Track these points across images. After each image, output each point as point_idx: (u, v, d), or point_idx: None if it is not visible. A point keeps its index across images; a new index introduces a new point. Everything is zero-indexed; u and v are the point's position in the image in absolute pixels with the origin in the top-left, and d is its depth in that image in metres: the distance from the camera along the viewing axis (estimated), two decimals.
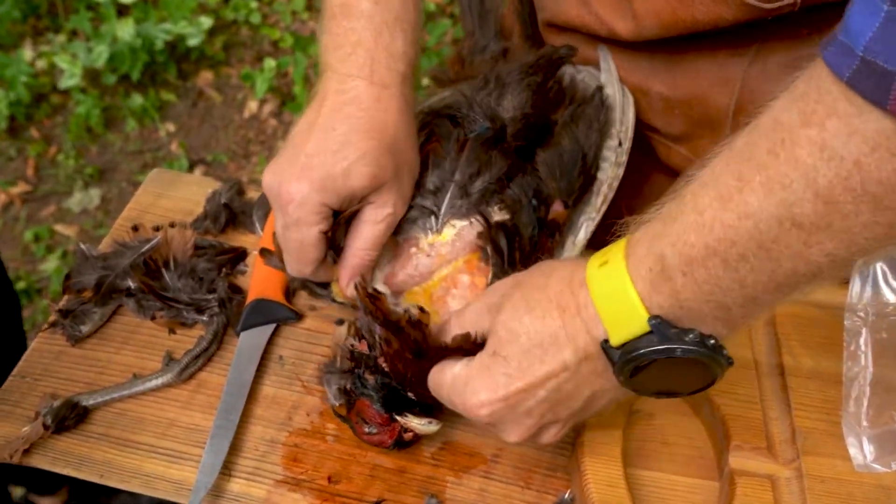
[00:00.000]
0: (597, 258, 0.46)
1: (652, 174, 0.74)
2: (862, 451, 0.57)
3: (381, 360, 0.56)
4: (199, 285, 0.68)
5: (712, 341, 0.43)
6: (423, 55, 2.16)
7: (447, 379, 0.52)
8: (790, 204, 0.38)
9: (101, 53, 2.09)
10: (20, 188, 1.94)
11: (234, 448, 0.60)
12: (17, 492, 1.36)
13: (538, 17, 0.75)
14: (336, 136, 0.54)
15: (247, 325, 0.66)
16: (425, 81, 2.11)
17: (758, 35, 0.60)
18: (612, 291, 0.44)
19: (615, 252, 0.45)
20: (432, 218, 0.60)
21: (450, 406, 0.53)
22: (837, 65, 0.35)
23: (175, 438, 0.61)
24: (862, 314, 0.59)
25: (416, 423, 0.56)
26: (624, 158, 0.62)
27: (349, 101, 0.55)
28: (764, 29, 0.59)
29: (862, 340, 0.59)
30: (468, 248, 0.59)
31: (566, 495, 0.58)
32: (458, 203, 0.59)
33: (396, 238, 0.60)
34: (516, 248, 0.57)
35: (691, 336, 0.43)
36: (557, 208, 0.59)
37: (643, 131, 0.71)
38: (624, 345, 0.44)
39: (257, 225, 0.75)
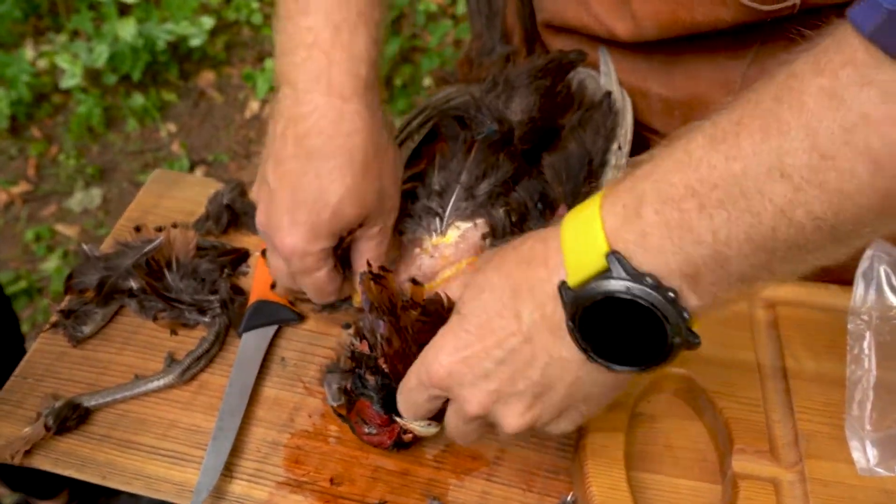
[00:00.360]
0: (576, 209, 0.44)
1: None
2: (865, 454, 0.57)
3: (381, 362, 0.56)
4: (201, 286, 0.68)
5: (671, 294, 0.39)
6: (425, 55, 2.16)
7: (413, 366, 0.50)
8: (784, 152, 0.35)
9: (102, 53, 2.08)
10: (21, 188, 1.94)
11: (236, 450, 0.60)
12: (8, 500, 1.36)
13: (537, 18, 0.75)
14: (309, 181, 0.52)
15: (249, 326, 0.66)
16: (427, 82, 2.11)
17: (757, 37, 0.60)
18: (580, 228, 0.41)
19: (595, 196, 0.43)
20: (437, 219, 0.60)
21: (417, 382, 0.50)
22: (862, 19, 0.33)
23: (177, 440, 0.60)
24: (866, 317, 0.59)
25: (416, 425, 0.56)
26: (623, 161, 0.62)
27: (310, 130, 0.52)
28: (763, 31, 0.59)
29: (865, 344, 0.59)
30: (472, 250, 0.59)
31: (568, 498, 0.58)
32: (462, 205, 0.59)
33: (401, 237, 0.61)
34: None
35: (648, 279, 0.39)
36: (562, 213, 0.59)
37: (642, 133, 0.71)
38: (579, 285, 0.41)
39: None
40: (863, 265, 0.60)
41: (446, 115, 0.64)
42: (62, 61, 2.09)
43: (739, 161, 0.36)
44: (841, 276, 0.66)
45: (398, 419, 0.56)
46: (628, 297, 0.40)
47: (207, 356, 0.65)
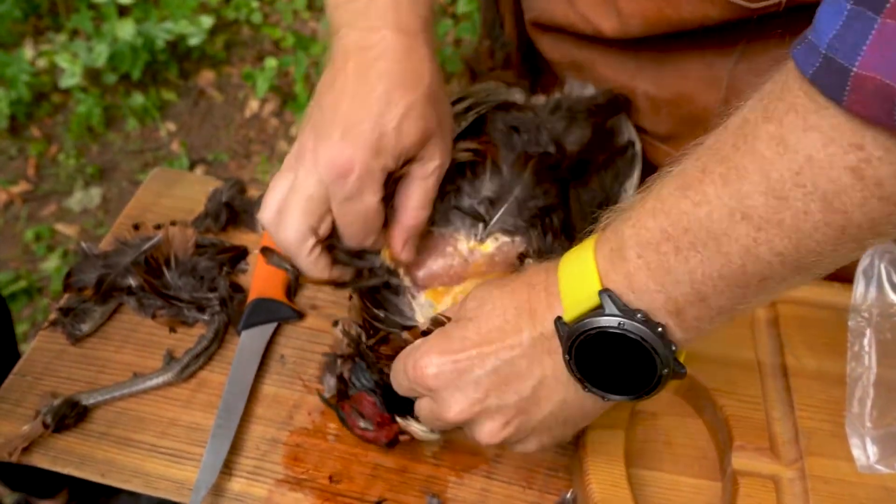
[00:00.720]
0: (574, 248, 0.47)
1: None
2: (865, 452, 0.57)
3: (382, 365, 0.56)
4: (200, 284, 0.68)
5: (660, 329, 0.42)
6: None
7: (402, 358, 0.50)
8: (743, 196, 0.38)
9: (101, 52, 2.08)
10: (21, 187, 1.94)
11: (235, 447, 0.59)
12: (8, 500, 1.35)
13: (525, 17, 0.75)
14: (376, 97, 0.50)
15: (248, 323, 0.66)
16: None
17: (744, 34, 0.60)
18: (576, 268, 0.45)
19: (590, 238, 0.46)
20: (480, 225, 0.58)
21: (397, 378, 0.50)
22: (803, 62, 0.35)
23: (176, 437, 0.60)
24: (866, 315, 0.59)
25: (418, 428, 0.55)
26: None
27: (379, 56, 0.51)
28: (750, 28, 0.59)
29: (866, 341, 0.59)
30: (503, 265, 0.58)
31: (568, 495, 0.58)
32: (510, 220, 0.58)
33: (432, 228, 0.58)
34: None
35: (639, 315, 0.42)
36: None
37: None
38: (575, 319, 0.44)
39: (259, 224, 0.75)
40: (863, 262, 0.60)
41: (499, 117, 0.62)
42: (62, 61, 2.09)
43: (705, 206, 0.39)
44: (841, 273, 0.66)
45: (400, 420, 0.56)
46: (620, 331, 0.42)
47: (206, 354, 0.65)
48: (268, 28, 2.30)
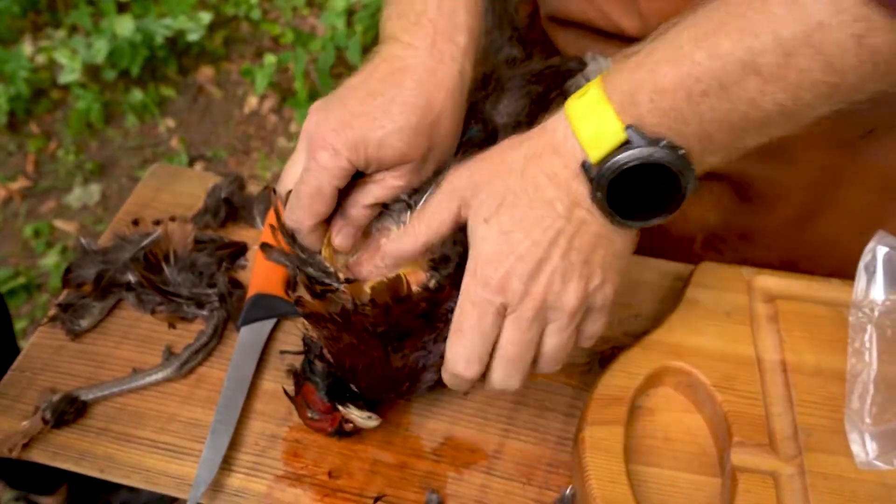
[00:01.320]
0: (575, 95, 0.49)
1: None
2: (864, 448, 0.57)
3: (325, 351, 0.56)
4: (199, 279, 0.68)
5: (682, 151, 0.46)
6: None
7: (459, 301, 0.51)
8: (756, 52, 0.42)
9: (100, 49, 2.08)
10: (20, 183, 1.94)
11: (235, 443, 0.59)
12: (7, 496, 1.36)
13: (540, 11, 0.74)
14: (380, 103, 0.53)
15: (247, 319, 0.66)
16: None
17: None
18: (591, 113, 0.47)
19: (593, 84, 0.48)
20: (408, 213, 0.58)
21: (474, 309, 0.50)
22: None
23: (175, 433, 0.60)
24: (867, 310, 0.59)
25: (357, 415, 0.56)
26: None
27: (404, 69, 0.54)
28: None
29: (867, 337, 0.58)
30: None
31: (567, 491, 0.58)
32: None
33: (368, 229, 0.58)
34: None
35: (663, 143, 0.46)
36: None
37: None
38: (602, 159, 0.46)
39: (258, 219, 0.74)
40: (865, 258, 0.60)
41: None
42: (61, 57, 2.09)
43: (718, 59, 0.43)
44: (841, 269, 0.66)
45: (340, 408, 0.56)
46: (652, 161, 0.46)
47: (206, 350, 0.65)
48: (267, 24, 2.30)
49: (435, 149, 0.55)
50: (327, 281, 0.55)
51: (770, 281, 0.68)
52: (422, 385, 0.57)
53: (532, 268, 0.49)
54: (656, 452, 0.60)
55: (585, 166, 0.47)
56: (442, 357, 0.53)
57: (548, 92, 0.64)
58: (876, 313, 0.59)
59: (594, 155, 0.46)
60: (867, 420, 0.57)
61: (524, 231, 0.49)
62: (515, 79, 0.63)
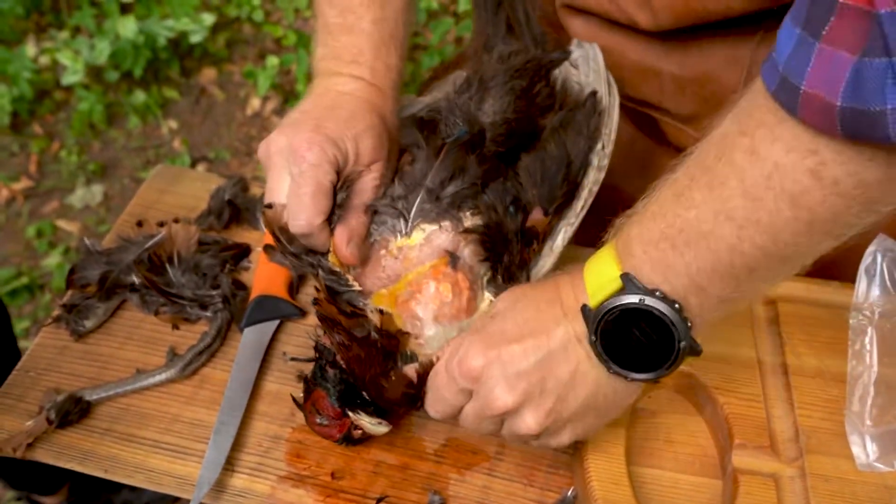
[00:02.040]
0: (596, 253, 0.52)
1: (661, 156, 0.74)
2: (865, 450, 0.57)
3: (339, 358, 0.56)
4: (202, 281, 0.68)
5: (677, 304, 0.47)
6: (426, 53, 2.16)
7: (442, 361, 0.54)
8: (725, 199, 0.44)
9: (103, 50, 2.08)
10: (23, 184, 1.94)
11: (238, 444, 0.60)
12: (9, 496, 1.36)
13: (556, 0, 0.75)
14: (343, 112, 0.58)
15: (250, 321, 0.66)
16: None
17: (766, 19, 0.63)
18: (596, 263, 0.50)
19: (609, 240, 0.51)
20: (402, 221, 0.59)
21: (447, 377, 0.53)
22: (768, 78, 0.41)
23: (179, 434, 0.61)
24: (868, 313, 0.59)
25: (367, 422, 0.57)
26: (606, 162, 0.61)
27: (351, 91, 0.60)
28: (771, 16, 0.61)
29: (867, 339, 0.59)
30: (436, 253, 0.57)
31: (569, 493, 0.58)
32: (427, 207, 0.58)
33: (368, 240, 0.59)
34: (501, 250, 0.57)
35: (658, 293, 0.47)
36: (536, 216, 0.58)
37: (652, 114, 0.72)
38: (600, 303, 0.48)
39: (261, 221, 0.75)
40: (866, 261, 0.60)
41: (421, 120, 0.63)
42: (64, 58, 2.09)
43: (693, 209, 0.45)
44: (842, 272, 0.66)
45: (351, 414, 0.57)
46: (643, 307, 0.47)
47: (209, 351, 0.65)
48: (269, 26, 2.30)
49: (392, 150, 0.61)
50: (348, 294, 0.56)
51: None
52: None
53: (508, 375, 0.50)
54: (658, 454, 0.60)
55: (585, 309, 0.49)
56: None
57: (531, 86, 0.64)
58: (876, 316, 0.59)
59: (594, 300, 0.49)
60: (868, 422, 0.57)
61: (520, 338, 0.50)
62: (498, 77, 0.64)
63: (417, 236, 0.58)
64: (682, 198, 0.46)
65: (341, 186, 0.57)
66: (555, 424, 0.52)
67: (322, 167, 0.55)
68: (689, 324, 0.47)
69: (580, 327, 0.50)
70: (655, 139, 0.75)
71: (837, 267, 0.67)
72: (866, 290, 0.59)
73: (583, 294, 0.50)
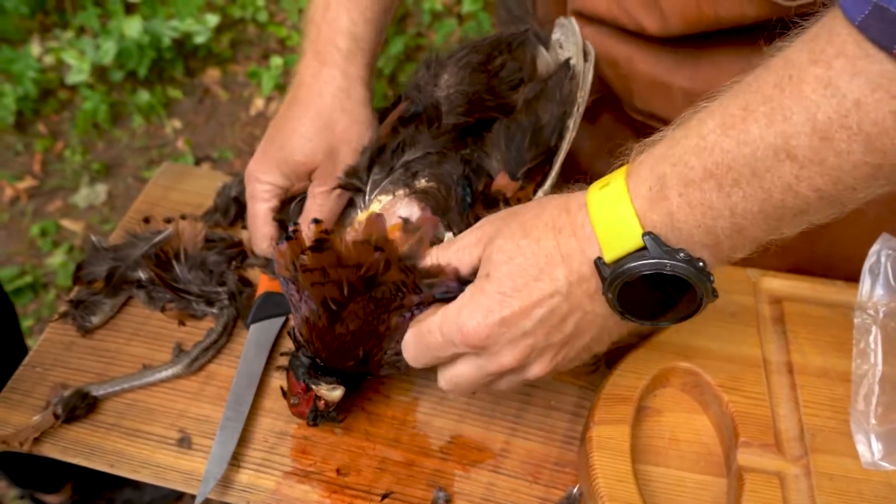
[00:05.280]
0: (598, 183, 0.48)
1: None
2: (870, 448, 0.57)
3: (296, 331, 0.57)
4: (209, 277, 0.68)
5: (701, 263, 0.44)
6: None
7: (436, 319, 0.51)
8: (788, 136, 0.40)
9: (108, 50, 2.09)
10: (27, 183, 1.95)
11: (244, 439, 0.60)
12: (12, 494, 1.36)
13: (568, 6, 0.75)
14: (284, 124, 0.63)
15: (256, 317, 0.66)
16: None
17: (780, 32, 0.61)
18: (610, 209, 0.46)
19: (617, 175, 0.47)
20: (361, 196, 0.61)
21: (443, 340, 0.50)
22: (851, 10, 0.37)
23: (185, 429, 0.61)
24: (872, 312, 0.59)
25: (324, 389, 0.57)
26: (578, 118, 0.62)
27: (299, 84, 0.63)
28: (786, 26, 0.59)
29: (871, 338, 0.59)
30: (392, 221, 0.57)
31: (574, 490, 0.58)
32: (380, 178, 0.60)
33: (344, 221, 0.63)
34: (446, 204, 0.57)
35: (681, 255, 0.44)
36: (501, 181, 0.58)
37: (661, 128, 0.71)
38: (617, 261, 0.45)
39: None
40: (870, 260, 0.60)
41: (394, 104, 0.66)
42: (68, 57, 2.10)
43: (749, 145, 0.41)
44: (847, 272, 0.67)
45: (312, 386, 0.57)
46: (668, 272, 0.44)
47: (215, 347, 0.65)
48: (273, 26, 2.31)
49: (340, 145, 0.62)
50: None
51: (776, 283, 0.68)
52: (384, 356, 0.57)
53: (513, 336, 0.49)
54: (663, 452, 0.60)
55: (598, 264, 0.46)
56: (395, 336, 0.54)
57: (489, 59, 0.65)
58: (881, 315, 0.59)
59: (609, 255, 0.46)
60: (873, 421, 0.58)
61: (520, 298, 0.48)
62: (454, 54, 0.65)
63: (374, 208, 0.59)
64: (733, 130, 0.41)
65: (286, 204, 0.64)
66: (564, 363, 0.51)
67: (259, 197, 0.63)
68: (713, 278, 0.45)
69: (587, 276, 0.47)
70: None
71: (842, 266, 0.67)
72: (870, 289, 0.60)
73: (591, 245, 0.46)
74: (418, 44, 2.22)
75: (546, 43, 0.68)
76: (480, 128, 0.62)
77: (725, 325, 0.65)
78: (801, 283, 0.68)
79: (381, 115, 0.67)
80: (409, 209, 0.57)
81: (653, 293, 0.46)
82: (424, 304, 0.53)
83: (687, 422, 0.62)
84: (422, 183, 0.58)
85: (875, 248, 0.60)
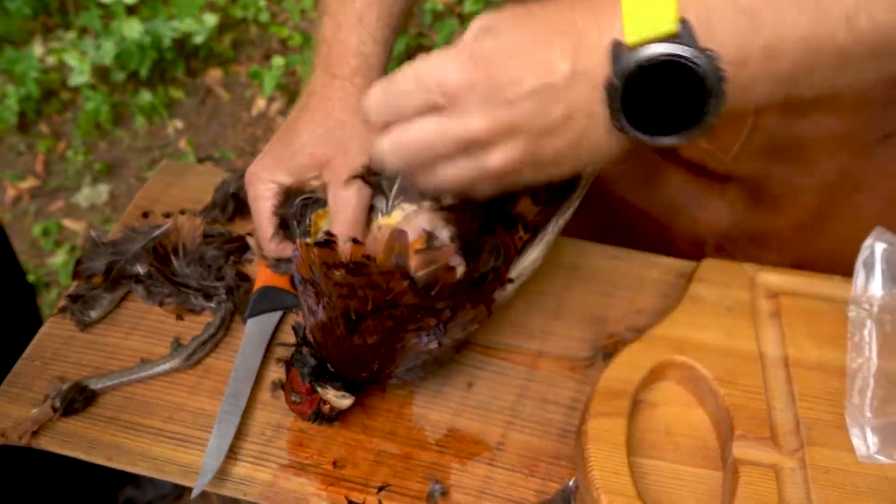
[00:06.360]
0: None
1: (668, 169, 0.74)
2: (865, 441, 0.57)
3: (307, 332, 0.57)
4: (207, 272, 0.68)
5: (723, 74, 0.40)
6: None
7: (413, 64, 0.44)
8: None
9: (109, 50, 2.10)
10: (29, 183, 1.96)
11: (241, 432, 0.60)
12: None
13: None
14: (289, 126, 0.63)
15: (254, 312, 0.67)
16: None
17: None
18: None
19: None
20: (383, 199, 0.59)
21: (413, 84, 0.44)
22: None
23: (182, 422, 0.61)
24: (866, 306, 0.60)
25: (332, 395, 0.57)
26: None
27: (310, 94, 0.63)
28: None
29: (866, 332, 0.59)
30: (415, 233, 0.57)
31: (570, 483, 0.58)
32: (408, 185, 0.58)
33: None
34: (469, 226, 0.56)
35: (709, 52, 0.40)
36: (523, 206, 0.57)
37: None
38: (638, 45, 0.40)
39: None
40: (863, 254, 0.60)
41: None
42: (70, 58, 2.11)
43: None
44: (848, 268, 0.67)
45: (319, 389, 0.57)
46: (692, 64, 0.40)
47: (213, 341, 0.65)
48: (275, 27, 2.32)
49: (350, 141, 0.61)
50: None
51: (772, 277, 0.68)
52: (395, 371, 0.58)
53: (494, 100, 0.42)
54: (658, 446, 0.60)
55: (615, 45, 0.41)
56: (409, 355, 0.55)
57: None
58: (875, 308, 0.59)
59: (633, 37, 0.40)
60: (868, 414, 0.58)
61: (520, 61, 0.42)
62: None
63: (397, 215, 0.59)
64: None
65: (290, 201, 0.62)
66: (523, 166, 0.45)
67: (262, 196, 0.62)
68: (726, 96, 0.40)
69: (593, 66, 0.41)
70: (661, 152, 0.74)
71: (843, 262, 0.67)
72: (865, 283, 0.60)
73: (612, 26, 0.41)
74: (420, 44, 2.22)
75: None
76: None
77: (722, 319, 0.65)
78: (797, 277, 0.68)
79: None
80: (432, 224, 0.57)
81: (659, 96, 0.41)
82: (441, 328, 0.54)
83: (683, 415, 0.62)
84: (448, 199, 0.57)
85: (868, 241, 0.60)
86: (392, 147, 0.45)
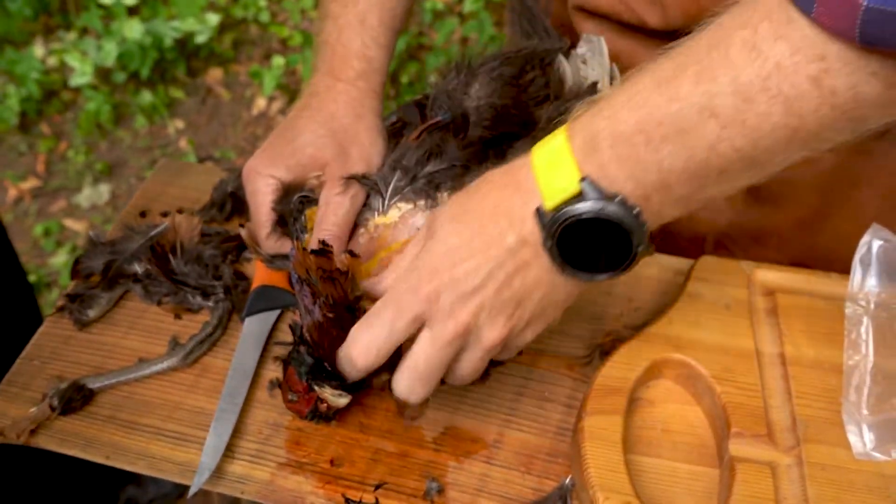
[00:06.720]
0: (542, 141, 0.49)
1: None
2: (862, 439, 0.57)
3: (304, 331, 0.57)
4: (205, 271, 0.69)
5: (636, 210, 0.45)
6: (431, 53, 2.17)
7: (383, 301, 0.51)
8: (713, 95, 0.42)
9: (110, 51, 2.10)
10: (30, 183, 1.96)
11: (238, 431, 0.60)
12: None
13: (569, 1, 0.75)
14: (294, 123, 0.63)
15: (251, 310, 0.67)
16: (434, 79, 2.12)
17: None
18: (551, 161, 0.47)
19: (559, 131, 0.48)
20: (379, 199, 0.60)
21: (394, 311, 0.50)
22: None
23: (180, 421, 0.61)
24: (863, 303, 0.60)
25: (329, 394, 0.57)
26: None
27: (312, 94, 0.64)
28: None
29: (863, 329, 0.59)
30: (410, 232, 0.58)
31: (567, 481, 0.58)
32: (402, 185, 0.59)
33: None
34: None
35: (617, 199, 0.45)
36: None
37: None
38: (556, 208, 0.46)
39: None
40: (860, 251, 0.60)
41: (409, 105, 0.65)
42: (71, 59, 2.11)
43: (678, 102, 0.43)
44: (847, 266, 0.66)
45: (316, 388, 0.57)
46: (602, 216, 0.46)
47: (210, 340, 0.65)
48: (275, 27, 2.32)
49: (350, 147, 0.62)
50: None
51: (770, 275, 0.68)
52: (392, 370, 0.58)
53: (464, 292, 0.49)
54: (655, 443, 0.60)
55: (539, 212, 0.47)
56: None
57: (521, 73, 0.65)
58: (872, 306, 0.59)
59: (549, 203, 0.46)
60: (864, 411, 0.58)
61: (468, 252, 0.49)
62: (487, 63, 0.64)
63: (393, 214, 0.59)
64: (665, 88, 0.43)
65: (288, 198, 0.62)
66: (517, 328, 0.51)
67: (261, 191, 0.62)
68: (646, 226, 0.46)
69: (530, 231, 0.48)
70: None
71: (841, 260, 0.67)
72: (861, 280, 0.60)
73: (533, 196, 0.47)
74: (420, 43, 2.22)
75: (585, 62, 0.68)
76: (502, 140, 0.62)
77: (719, 316, 0.65)
78: (794, 274, 0.68)
79: (395, 119, 0.67)
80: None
81: (588, 244, 0.47)
82: None
83: (679, 413, 0.62)
84: (444, 196, 0.58)
85: (865, 238, 0.60)
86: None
